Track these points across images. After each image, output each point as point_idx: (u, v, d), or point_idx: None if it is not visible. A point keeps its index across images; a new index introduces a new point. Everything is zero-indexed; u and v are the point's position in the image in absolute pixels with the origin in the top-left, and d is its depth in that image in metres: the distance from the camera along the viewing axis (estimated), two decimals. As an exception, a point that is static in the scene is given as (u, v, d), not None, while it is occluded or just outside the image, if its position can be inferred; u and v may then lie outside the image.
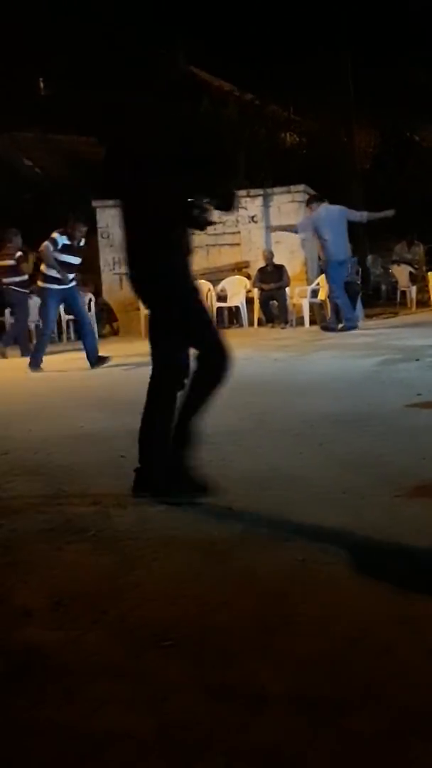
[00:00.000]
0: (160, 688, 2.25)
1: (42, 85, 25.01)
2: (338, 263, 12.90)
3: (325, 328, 12.98)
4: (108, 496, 4.07)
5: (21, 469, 4.81)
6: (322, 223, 12.83)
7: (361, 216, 13.68)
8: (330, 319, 13.28)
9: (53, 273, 10.41)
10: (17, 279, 13.79)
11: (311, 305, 15.54)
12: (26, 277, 13.83)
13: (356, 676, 2.25)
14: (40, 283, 10.80)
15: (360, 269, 17.37)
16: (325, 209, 13.11)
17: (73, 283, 10.66)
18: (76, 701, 2.22)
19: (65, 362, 11.59)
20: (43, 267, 10.63)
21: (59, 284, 10.42)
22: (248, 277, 16.60)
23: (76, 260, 10.59)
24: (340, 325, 12.76)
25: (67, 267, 10.41)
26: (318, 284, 16.01)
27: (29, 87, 23.67)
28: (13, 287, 13.90)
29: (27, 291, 13.94)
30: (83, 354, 10.57)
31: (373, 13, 20.92)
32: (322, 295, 15.71)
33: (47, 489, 4.33)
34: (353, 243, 18.82)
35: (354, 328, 12.54)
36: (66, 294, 10.60)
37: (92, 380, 9.23)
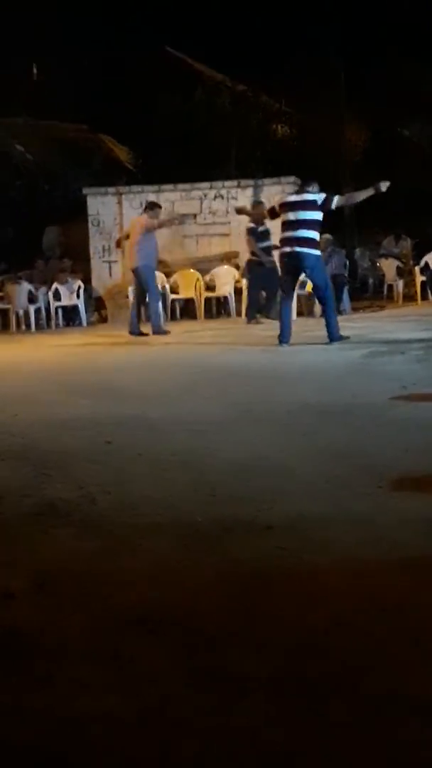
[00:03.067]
0: (142, 673, 2.26)
1: (35, 71, 24.88)
2: (153, 269, 12.99)
3: (132, 333, 12.60)
4: (93, 481, 4.09)
5: (6, 454, 4.82)
6: (146, 230, 12.87)
7: None
8: (133, 324, 12.83)
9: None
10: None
11: (299, 297, 15.56)
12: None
13: (337, 663, 2.27)
14: (313, 250, 10.13)
15: (347, 262, 17.40)
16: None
17: None
18: (58, 684, 2.24)
19: (51, 348, 11.59)
20: (309, 232, 10.07)
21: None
22: (237, 267, 16.61)
23: None
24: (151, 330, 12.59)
25: None
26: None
27: (22, 73, 23.53)
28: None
29: (258, 260, 14.50)
30: (68, 341, 10.51)
31: (364, 7, 20.90)
32: (309, 287, 15.75)
33: (32, 473, 4.33)
34: (341, 236, 18.89)
35: (162, 333, 12.30)
36: None
37: (79, 366, 9.22)
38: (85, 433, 5.28)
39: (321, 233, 11.31)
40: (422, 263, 16.98)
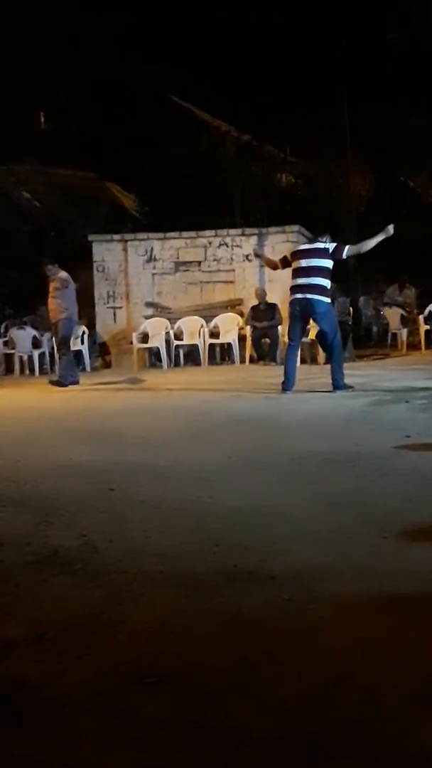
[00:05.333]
0: (143, 726, 2.23)
1: (42, 118, 25.21)
2: (72, 321, 13.26)
3: (55, 383, 12.67)
4: (96, 529, 4.06)
5: (8, 500, 4.79)
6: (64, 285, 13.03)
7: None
8: (62, 374, 12.89)
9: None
10: None
11: (302, 344, 15.60)
12: None
13: (340, 718, 2.24)
14: (325, 298, 10.23)
15: (351, 310, 17.47)
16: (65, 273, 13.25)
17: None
18: (56, 736, 2.21)
19: (54, 393, 11.60)
20: (320, 279, 10.21)
21: None
22: (241, 314, 16.68)
23: None
24: (53, 380, 12.75)
25: None
26: (309, 324, 16.09)
27: (29, 120, 23.85)
28: None
29: None
30: (71, 386, 10.44)
31: (370, 58, 21.19)
32: (312, 335, 15.79)
33: (34, 520, 4.31)
34: (346, 283, 18.98)
35: (66, 385, 12.42)
36: None
37: (83, 412, 9.22)
38: (87, 480, 5.26)
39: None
40: (426, 312, 17.05)
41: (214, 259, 17.36)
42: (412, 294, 19.35)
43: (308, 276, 10.11)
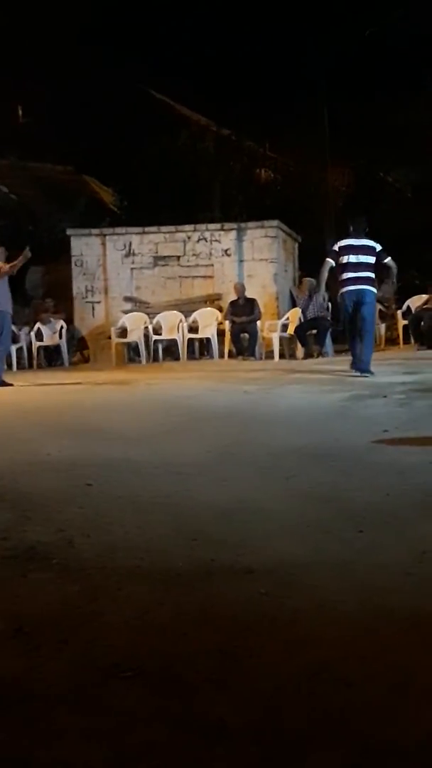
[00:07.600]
0: (120, 719, 2.24)
1: (20, 112, 25.08)
2: (6, 313, 12.60)
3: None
4: (73, 524, 4.06)
5: (-14, 495, 4.78)
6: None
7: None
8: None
9: None
10: None
11: (281, 339, 15.64)
12: None
13: (317, 711, 2.25)
14: (373, 288, 11.34)
15: (330, 305, 17.49)
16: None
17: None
18: (35, 729, 2.21)
19: (32, 388, 11.56)
20: (369, 273, 11.20)
21: None
22: (220, 309, 16.69)
23: None
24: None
25: None
26: (288, 319, 16.13)
27: (7, 114, 23.71)
28: None
29: None
30: (50, 381, 10.40)
31: (349, 54, 21.21)
32: (291, 330, 15.82)
33: (11, 515, 4.30)
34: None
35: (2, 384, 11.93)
36: None
37: (60, 407, 9.19)
38: (65, 475, 5.25)
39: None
40: (404, 307, 17.12)
41: (193, 254, 17.36)
42: (390, 289, 19.41)
43: (358, 271, 11.04)
